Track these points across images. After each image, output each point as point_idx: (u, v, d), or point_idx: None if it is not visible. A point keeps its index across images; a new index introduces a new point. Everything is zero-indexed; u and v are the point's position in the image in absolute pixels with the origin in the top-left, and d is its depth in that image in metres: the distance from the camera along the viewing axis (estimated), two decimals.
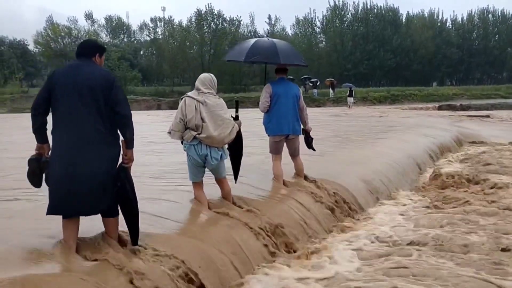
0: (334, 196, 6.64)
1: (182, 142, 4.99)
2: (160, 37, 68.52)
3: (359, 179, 7.70)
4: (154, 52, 69.05)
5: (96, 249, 3.73)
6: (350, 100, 34.46)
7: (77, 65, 3.69)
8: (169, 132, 4.92)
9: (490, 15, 71.06)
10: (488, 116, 23.91)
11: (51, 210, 3.62)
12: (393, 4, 69.84)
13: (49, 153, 3.71)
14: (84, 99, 3.56)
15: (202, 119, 4.78)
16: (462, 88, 51.60)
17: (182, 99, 4.92)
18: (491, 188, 7.94)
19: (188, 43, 62.98)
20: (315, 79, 42.80)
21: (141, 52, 70.90)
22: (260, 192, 6.03)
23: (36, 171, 3.73)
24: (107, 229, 3.91)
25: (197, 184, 5.14)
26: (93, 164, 3.58)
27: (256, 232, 4.91)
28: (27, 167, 3.76)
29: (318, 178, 6.92)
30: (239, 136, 5.25)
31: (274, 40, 6.49)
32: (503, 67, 70.75)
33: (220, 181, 5.29)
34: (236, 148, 5.41)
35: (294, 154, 6.69)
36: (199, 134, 4.79)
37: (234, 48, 6.81)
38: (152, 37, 70.45)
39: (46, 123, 3.68)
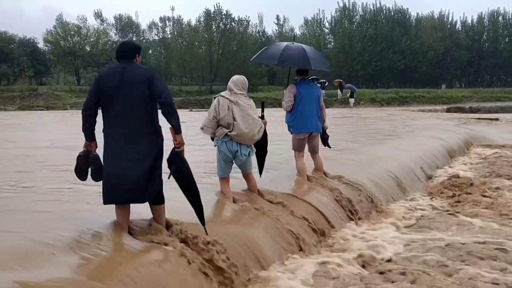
0: (359, 191, 6.99)
1: (212, 139, 5.39)
2: (169, 36, 68.70)
3: (372, 179, 7.80)
4: (163, 51, 69.20)
5: (145, 232, 4.10)
6: (352, 101, 36.13)
7: (122, 67, 4.06)
8: (202, 128, 5.29)
9: (500, 18, 70.53)
10: (497, 119, 23.73)
11: (107, 200, 4.01)
12: (402, 6, 69.43)
13: (96, 150, 4.11)
14: (131, 96, 3.91)
15: (234, 118, 5.12)
16: (471, 91, 51.22)
17: (215, 98, 5.28)
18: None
19: (196, 43, 63.06)
20: (323, 80, 42.62)
21: (150, 51, 71.05)
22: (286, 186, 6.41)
23: (84, 166, 4.10)
24: (155, 216, 4.20)
25: (225, 179, 5.46)
26: (142, 155, 3.93)
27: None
28: (75, 163, 4.13)
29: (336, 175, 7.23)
30: (264, 134, 5.59)
31: (303, 45, 6.84)
32: None
33: (246, 175, 5.66)
34: (261, 145, 5.72)
35: (314, 151, 7.01)
36: (230, 131, 5.14)
37: (263, 52, 6.98)
38: (161, 37, 70.64)
39: (95, 123, 4.04)
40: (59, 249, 3.57)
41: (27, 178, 6.55)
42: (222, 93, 5.28)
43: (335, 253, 5.10)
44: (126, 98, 3.91)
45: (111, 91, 3.92)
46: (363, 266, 4.81)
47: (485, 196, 7.65)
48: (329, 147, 7.20)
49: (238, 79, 5.37)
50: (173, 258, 3.75)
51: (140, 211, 4.29)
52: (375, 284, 4.27)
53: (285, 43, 6.88)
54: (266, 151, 5.90)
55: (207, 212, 4.98)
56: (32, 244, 3.59)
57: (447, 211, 6.96)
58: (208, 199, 5.31)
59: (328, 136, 7.12)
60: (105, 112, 3.99)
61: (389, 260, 4.97)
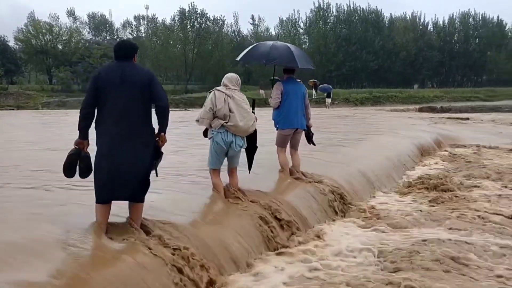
0: (333, 187, 7.16)
1: (204, 134, 5.62)
2: (143, 35, 68.14)
3: (347, 177, 7.96)
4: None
5: (121, 232, 4.09)
6: (328, 100, 36.59)
7: (121, 65, 4.08)
8: (197, 120, 5.51)
9: (471, 19, 72.13)
10: (467, 119, 24.26)
11: (103, 197, 4.03)
12: (376, 6, 70.31)
13: (87, 148, 4.10)
14: (131, 95, 3.99)
15: (230, 110, 5.38)
16: (443, 91, 52.27)
17: (211, 92, 5.52)
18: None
19: (171, 42, 62.72)
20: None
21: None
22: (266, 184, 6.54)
23: (74, 164, 4.09)
24: (133, 215, 4.22)
25: (216, 171, 5.66)
26: (141, 153, 4.05)
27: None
28: (65, 160, 4.09)
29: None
30: (254, 130, 5.78)
31: (288, 44, 7.06)
32: (483, 70, 71.88)
33: (232, 170, 5.81)
34: (251, 141, 5.90)
35: (295, 147, 7.23)
36: (226, 122, 5.37)
37: (250, 51, 7.06)
38: (135, 35, 70.02)
39: (92, 121, 4.04)
40: (35, 251, 3.53)
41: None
42: (218, 88, 5.52)
43: (310, 251, 5.15)
44: (126, 97, 3.97)
45: (111, 89, 3.96)
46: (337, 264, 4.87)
47: (454, 194, 7.82)
48: (314, 144, 7.45)
49: (232, 76, 5.68)
50: (150, 259, 3.75)
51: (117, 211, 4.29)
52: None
53: (271, 42, 7.07)
54: (256, 147, 6.08)
55: (199, 210, 5.16)
56: (7, 246, 3.55)
57: (420, 208, 7.09)
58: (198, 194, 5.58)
59: (313, 134, 7.36)
60: (102, 110, 3.99)
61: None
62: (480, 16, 71.97)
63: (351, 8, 68.72)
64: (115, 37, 71.47)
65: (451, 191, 8.03)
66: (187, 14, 61.70)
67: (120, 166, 3.96)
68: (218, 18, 64.73)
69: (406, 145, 12.46)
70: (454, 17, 72.22)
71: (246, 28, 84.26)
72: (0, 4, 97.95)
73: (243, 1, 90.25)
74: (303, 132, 7.19)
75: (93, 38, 68.01)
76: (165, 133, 4.21)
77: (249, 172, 6.14)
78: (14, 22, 73.03)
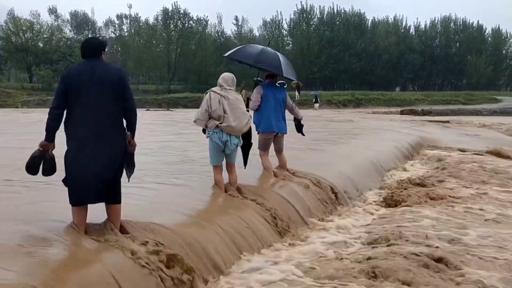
0: (319, 184, 7.25)
1: (203, 131, 5.83)
2: (126, 34, 67.65)
3: (332, 176, 7.97)
4: (120, 49, 68.12)
5: (101, 233, 4.00)
6: (316, 105, 37.63)
7: (91, 64, 3.98)
8: (195, 121, 5.73)
9: (452, 23, 73.22)
10: (447, 122, 24.56)
11: (79, 200, 3.91)
12: (359, 9, 71.01)
13: (53, 150, 3.95)
14: (102, 94, 3.88)
15: (224, 111, 5.57)
16: (424, 94, 53.03)
17: (207, 93, 5.71)
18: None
19: (154, 41, 62.44)
20: (282, 81, 43.08)
21: (106, 49, 69.86)
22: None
23: (38, 165, 3.96)
24: (112, 216, 4.12)
25: (217, 168, 5.88)
26: (114, 153, 3.95)
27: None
28: (29, 161, 3.96)
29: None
30: (249, 128, 5.98)
31: (277, 52, 7.20)
32: (463, 74, 72.97)
33: (230, 166, 5.99)
34: (245, 139, 6.11)
35: (279, 150, 7.34)
36: (221, 123, 5.58)
37: (239, 50, 7.24)
38: (117, 34, 69.47)
39: (61, 121, 3.89)
40: (11, 252, 3.46)
41: None
42: (213, 89, 5.69)
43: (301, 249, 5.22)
44: (97, 96, 3.86)
45: (81, 89, 3.84)
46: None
47: (434, 195, 7.93)
48: (303, 134, 7.59)
49: (228, 76, 5.83)
50: (130, 260, 3.71)
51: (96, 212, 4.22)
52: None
53: (261, 46, 7.19)
54: (250, 144, 6.33)
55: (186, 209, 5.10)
56: None
57: (398, 207, 7.19)
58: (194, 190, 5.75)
59: (303, 125, 7.51)
60: (72, 111, 3.86)
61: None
62: (461, 21, 73.16)
63: (334, 10, 69.29)
64: (97, 35, 70.88)
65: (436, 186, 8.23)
66: (170, 14, 61.49)
67: (91, 168, 3.83)
68: (202, 18, 64.77)
69: (388, 147, 12.58)
70: (436, 21, 73.33)
71: (229, 29, 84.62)
72: None
73: (227, 1, 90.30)
74: (284, 134, 7.25)
75: (75, 36, 67.24)
76: (133, 137, 4.08)
77: (245, 168, 6.31)
78: None
